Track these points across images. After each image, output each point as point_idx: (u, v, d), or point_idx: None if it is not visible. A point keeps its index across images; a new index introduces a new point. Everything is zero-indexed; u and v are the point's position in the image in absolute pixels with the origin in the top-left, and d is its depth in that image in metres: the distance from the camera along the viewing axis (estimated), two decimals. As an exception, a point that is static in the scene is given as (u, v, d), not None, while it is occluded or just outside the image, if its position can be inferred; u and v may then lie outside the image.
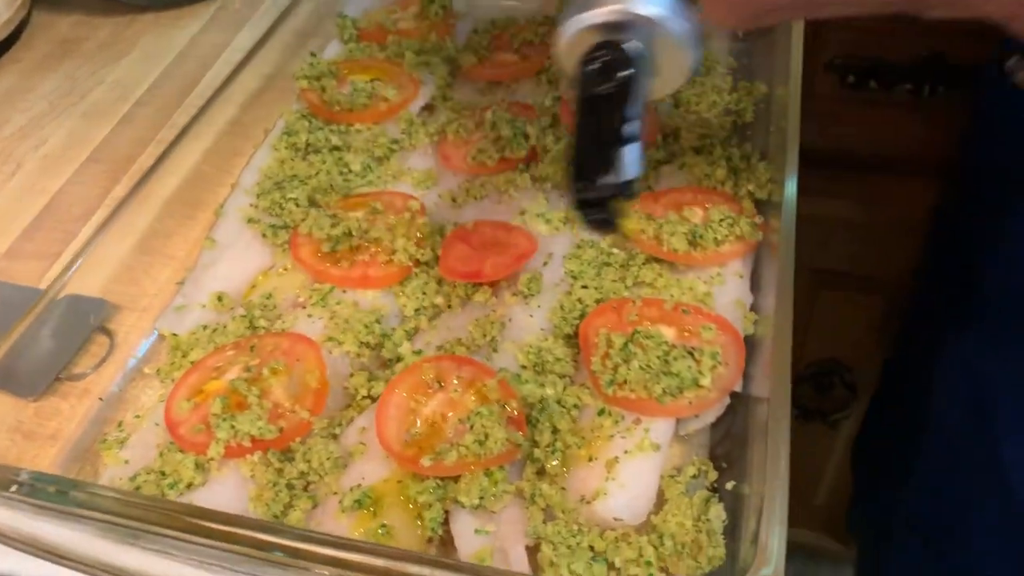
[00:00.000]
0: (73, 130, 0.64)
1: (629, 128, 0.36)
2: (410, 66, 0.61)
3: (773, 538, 0.32)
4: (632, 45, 0.36)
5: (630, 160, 0.36)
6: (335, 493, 0.38)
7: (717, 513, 0.37)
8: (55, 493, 0.35)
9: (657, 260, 0.47)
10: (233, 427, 0.39)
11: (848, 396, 1.32)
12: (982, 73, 0.74)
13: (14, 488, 0.35)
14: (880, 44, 0.97)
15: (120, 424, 0.44)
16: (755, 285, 0.47)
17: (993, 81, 0.70)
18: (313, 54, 0.62)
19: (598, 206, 0.37)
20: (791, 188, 0.46)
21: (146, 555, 0.34)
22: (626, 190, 0.36)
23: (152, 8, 0.75)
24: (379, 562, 0.31)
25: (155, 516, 0.34)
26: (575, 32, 0.37)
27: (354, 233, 0.48)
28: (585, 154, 0.37)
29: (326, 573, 0.32)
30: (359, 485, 0.38)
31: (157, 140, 0.62)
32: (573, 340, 0.44)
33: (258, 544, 0.32)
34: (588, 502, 0.37)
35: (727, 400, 0.42)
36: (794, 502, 1.29)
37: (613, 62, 0.36)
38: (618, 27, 0.37)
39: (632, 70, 0.36)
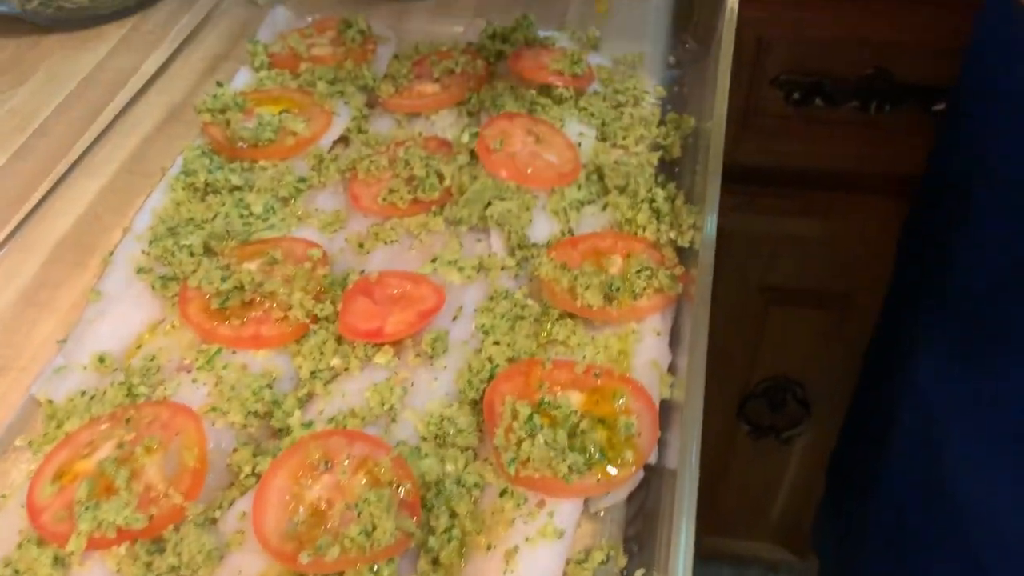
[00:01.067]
0: (-39, 163, 0.60)
1: None
2: (322, 96, 0.57)
3: None
4: None
5: None
6: (207, 595, 0.35)
7: (624, 606, 0.34)
8: None
9: (570, 314, 0.44)
10: (95, 516, 0.35)
11: (801, 412, 1.32)
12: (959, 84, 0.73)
13: None
14: (825, 60, 0.95)
15: (-15, 505, 0.40)
16: (675, 340, 0.44)
17: (970, 92, 0.70)
18: (219, 83, 0.58)
19: None
20: (711, 228, 0.44)
21: None
22: None
23: (58, 29, 0.71)
24: None
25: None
26: None
27: (247, 287, 0.45)
28: None
29: None
30: (233, 582, 0.35)
31: (55, 175, 0.58)
32: (479, 406, 0.41)
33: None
34: (484, 597, 0.34)
35: (641, 474, 0.39)
36: (751, 516, 1.29)
37: None
38: None
39: None
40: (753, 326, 1.22)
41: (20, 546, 0.37)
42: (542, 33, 0.62)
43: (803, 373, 1.28)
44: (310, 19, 0.66)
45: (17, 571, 0.35)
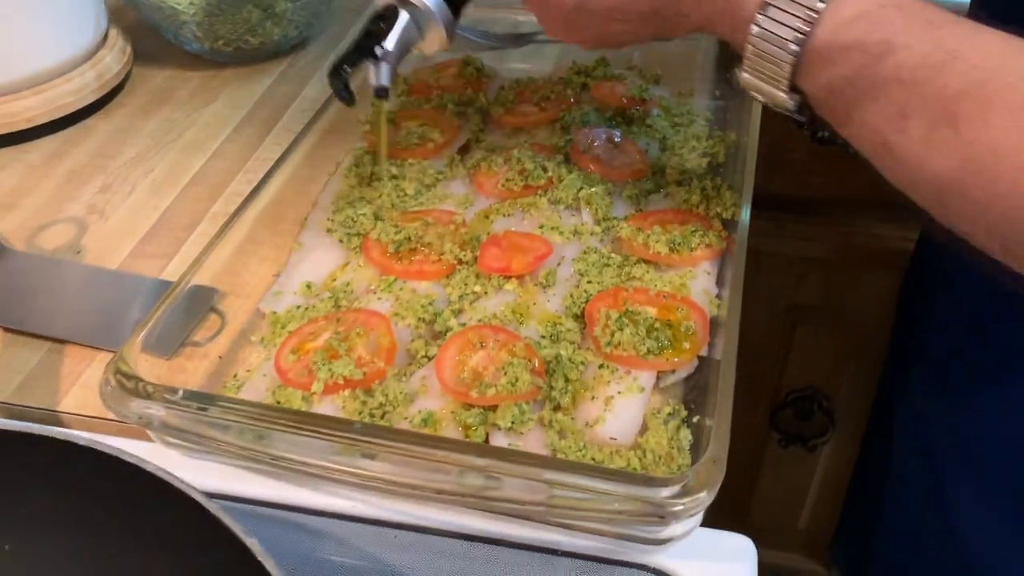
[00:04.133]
0: (175, 161, 0.79)
1: (382, 53, 0.58)
2: (451, 114, 0.76)
3: (713, 444, 0.46)
4: (407, 13, 0.59)
5: (382, 75, 0.59)
6: (405, 418, 0.52)
7: (685, 435, 0.51)
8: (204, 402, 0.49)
9: (645, 261, 0.61)
10: (331, 370, 0.53)
11: (827, 422, 1.43)
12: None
13: (177, 395, 0.49)
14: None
15: (235, 375, 0.57)
16: (720, 281, 0.61)
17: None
18: (373, 104, 0.77)
19: (340, 88, 0.59)
20: (746, 212, 0.61)
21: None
22: (379, 92, 0.61)
23: (232, 64, 0.91)
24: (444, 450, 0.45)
25: (281, 418, 0.48)
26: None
27: (412, 239, 0.62)
28: (350, 52, 0.59)
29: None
30: (422, 412, 0.52)
31: (245, 169, 0.77)
32: (580, 319, 0.58)
33: (358, 433, 0.46)
34: (591, 426, 0.51)
35: (696, 362, 0.55)
36: (778, 527, 1.44)
37: (386, 12, 0.59)
38: (406, 3, 0.59)
39: (392, 23, 0.59)
40: (782, 342, 1.36)
41: (272, 393, 0.54)
42: (616, 71, 0.81)
43: (828, 386, 1.40)
44: (434, 61, 0.85)
45: (279, 401, 0.53)
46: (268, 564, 0.34)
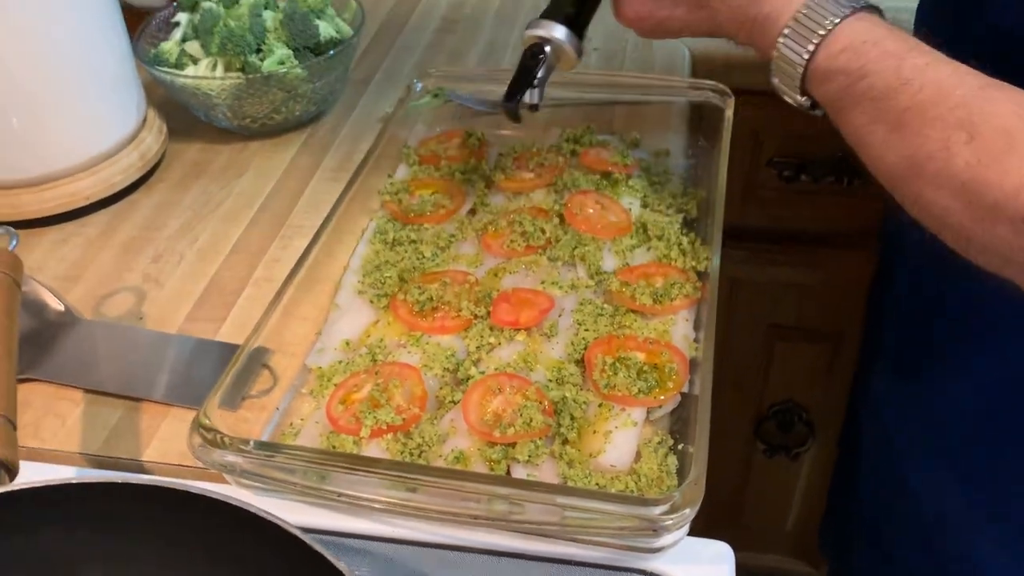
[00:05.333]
0: (216, 230, 0.89)
1: (538, 81, 0.74)
2: (458, 182, 0.87)
3: (694, 468, 0.56)
4: (548, 47, 0.74)
5: (535, 96, 0.74)
6: (440, 456, 0.62)
7: (672, 461, 0.62)
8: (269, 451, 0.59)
9: (633, 311, 0.72)
10: (375, 418, 0.63)
11: (807, 432, 1.54)
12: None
13: (250, 446, 0.59)
14: (807, 147, 1.23)
15: (291, 424, 0.68)
16: (697, 326, 0.72)
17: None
18: (389, 175, 0.88)
19: (512, 109, 0.74)
20: (716, 261, 0.72)
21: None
22: (533, 108, 0.75)
23: (258, 137, 1.01)
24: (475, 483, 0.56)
25: (339, 461, 0.58)
26: (527, 36, 0.74)
27: (433, 298, 0.73)
28: (516, 83, 0.74)
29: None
30: (454, 450, 0.62)
31: (279, 236, 0.87)
32: (580, 364, 0.69)
33: (404, 471, 0.57)
34: (594, 456, 0.62)
35: (679, 397, 0.66)
36: (768, 530, 1.58)
37: (534, 48, 0.74)
38: (543, 39, 0.73)
39: (541, 58, 0.73)
40: (762, 359, 1.47)
41: (327, 438, 0.64)
42: (600, 137, 0.92)
43: (807, 399, 1.51)
44: (439, 129, 0.96)
45: (333, 446, 0.63)
46: (354, 580, 0.44)
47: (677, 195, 0.85)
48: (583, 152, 0.89)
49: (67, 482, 0.49)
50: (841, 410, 1.33)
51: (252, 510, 0.48)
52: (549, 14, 0.74)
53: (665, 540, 0.56)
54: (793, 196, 1.28)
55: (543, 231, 0.79)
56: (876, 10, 0.61)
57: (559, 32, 0.73)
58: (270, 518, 0.47)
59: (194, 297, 0.81)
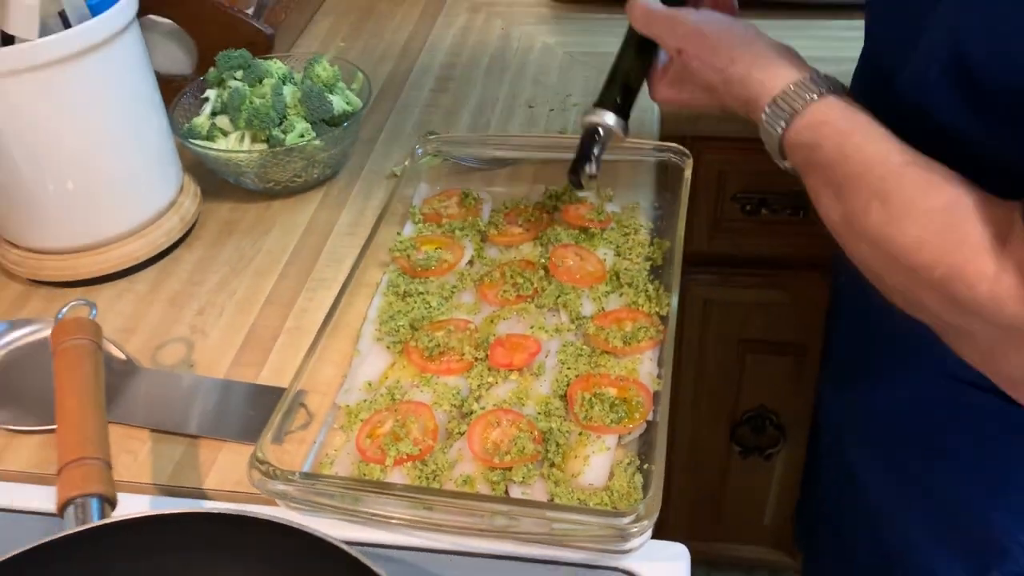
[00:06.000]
0: (250, 284, 1.03)
1: (594, 157, 0.88)
2: (457, 238, 1.01)
3: (653, 485, 0.71)
4: (602, 129, 0.89)
5: (593, 168, 0.88)
6: (451, 480, 0.77)
7: (638, 479, 0.76)
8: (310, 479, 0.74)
9: (607, 352, 0.87)
10: (397, 449, 0.78)
11: (778, 435, 1.67)
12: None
13: (296, 476, 0.74)
14: (766, 184, 1.37)
15: (327, 455, 0.82)
16: (660, 363, 0.86)
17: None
18: (399, 233, 1.03)
19: (576, 181, 0.89)
20: (674, 304, 0.87)
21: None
22: (592, 178, 0.89)
23: (281, 196, 1.15)
24: (480, 502, 0.71)
25: (370, 487, 0.73)
26: (585, 121, 0.90)
27: (440, 344, 0.88)
28: (579, 160, 0.89)
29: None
30: (462, 474, 0.77)
31: (305, 288, 1.02)
32: (563, 399, 0.83)
33: (422, 493, 0.71)
34: (576, 477, 0.76)
35: (644, 425, 0.81)
36: (747, 524, 1.76)
37: (591, 130, 0.89)
38: (597, 124, 0.89)
39: (596, 138, 0.88)
40: (735, 370, 1.61)
41: (357, 467, 0.79)
42: (579, 194, 1.06)
43: (777, 404, 1.64)
44: (439, 188, 1.11)
45: (363, 473, 0.78)
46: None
47: (645, 244, 0.99)
48: (564, 208, 1.04)
49: (187, 511, 0.63)
50: (808, 414, 1.48)
51: (317, 534, 0.62)
52: (601, 103, 0.89)
53: (633, 543, 0.71)
54: (755, 226, 1.42)
55: (531, 282, 0.94)
56: (844, 89, 0.72)
57: (610, 119, 0.89)
58: (327, 538, 0.61)
59: (236, 346, 0.96)
